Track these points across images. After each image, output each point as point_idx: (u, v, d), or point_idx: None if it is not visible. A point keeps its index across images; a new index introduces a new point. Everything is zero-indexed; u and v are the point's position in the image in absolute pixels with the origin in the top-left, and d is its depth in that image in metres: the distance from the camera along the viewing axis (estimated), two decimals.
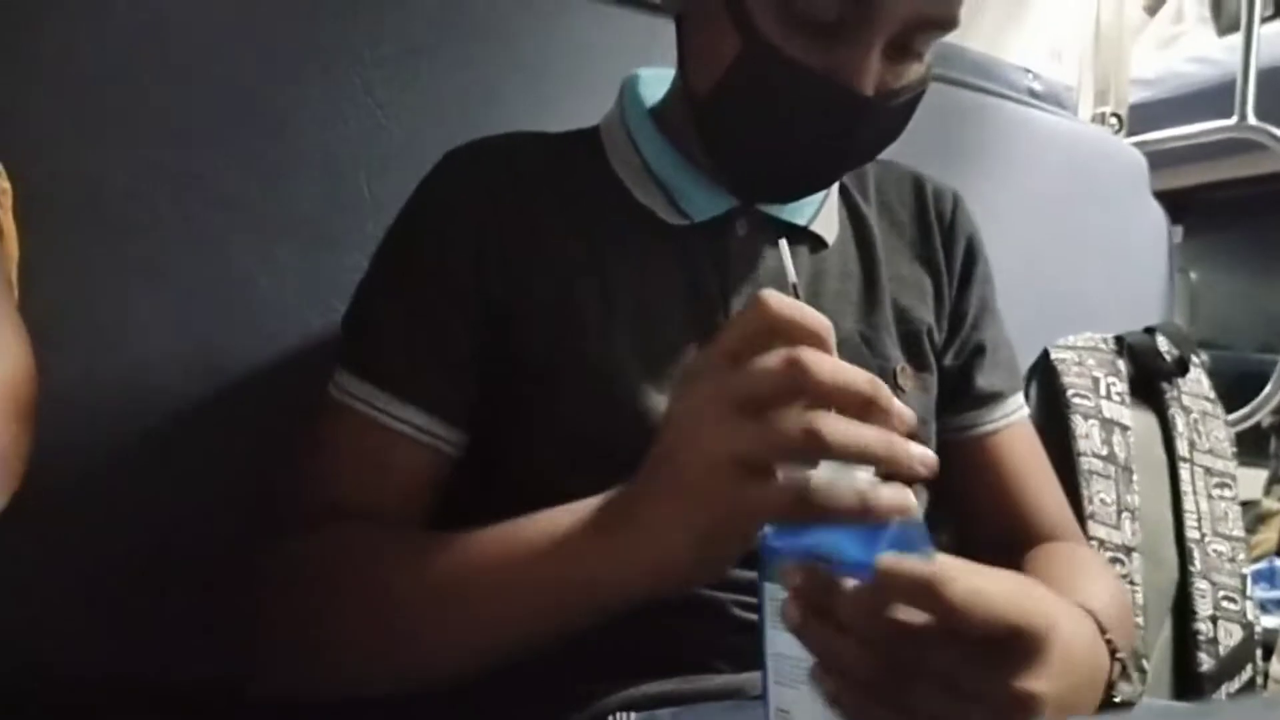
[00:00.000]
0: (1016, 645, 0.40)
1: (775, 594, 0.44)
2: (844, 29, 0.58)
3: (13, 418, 0.52)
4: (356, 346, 0.67)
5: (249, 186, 0.76)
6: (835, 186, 0.74)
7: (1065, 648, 0.45)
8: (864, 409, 0.44)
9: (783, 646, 0.44)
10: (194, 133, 0.74)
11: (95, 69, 0.71)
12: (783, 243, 0.51)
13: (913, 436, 0.68)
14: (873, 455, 0.43)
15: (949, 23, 0.59)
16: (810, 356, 0.43)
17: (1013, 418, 0.78)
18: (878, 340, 0.71)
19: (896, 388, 0.70)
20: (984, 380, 0.76)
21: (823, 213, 0.72)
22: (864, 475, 0.44)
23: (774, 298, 0.46)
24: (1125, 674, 0.53)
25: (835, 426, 0.43)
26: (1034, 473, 0.78)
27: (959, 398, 0.76)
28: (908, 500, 0.43)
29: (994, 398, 0.77)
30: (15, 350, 0.54)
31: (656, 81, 0.74)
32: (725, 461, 0.44)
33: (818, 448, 0.42)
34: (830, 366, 0.44)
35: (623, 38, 0.93)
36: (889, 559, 0.38)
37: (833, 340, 0.46)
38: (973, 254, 0.79)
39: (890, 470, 0.44)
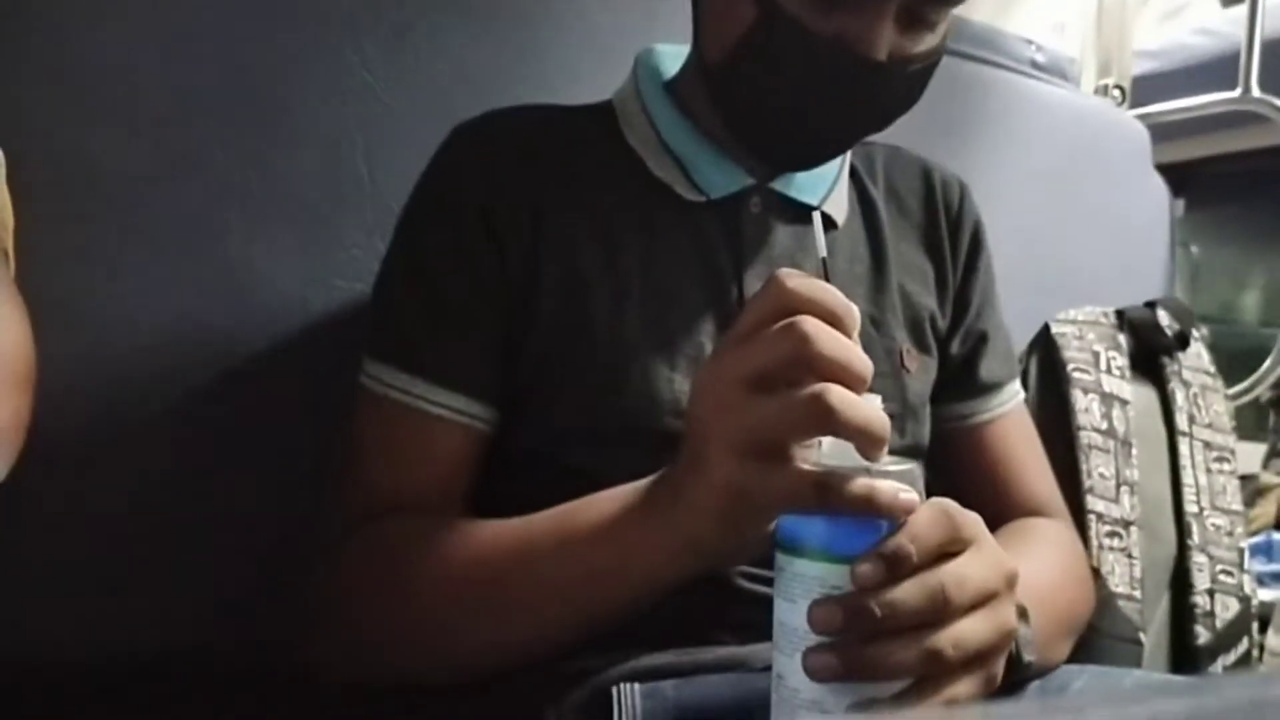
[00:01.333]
0: (1012, 580, 0.47)
1: (783, 564, 0.45)
2: None
3: (11, 389, 0.51)
4: (382, 333, 0.66)
5: (246, 166, 0.75)
6: (846, 169, 0.75)
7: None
8: (858, 387, 0.45)
9: (784, 615, 0.45)
10: (191, 113, 0.74)
11: (91, 51, 0.70)
12: (816, 217, 0.53)
13: (908, 417, 0.69)
14: (872, 434, 0.44)
15: None
16: (810, 327, 0.44)
17: (1009, 405, 0.79)
18: (884, 322, 0.71)
19: (903, 368, 0.71)
20: (985, 370, 0.77)
21: (834, 193, 0.73)
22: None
23: (790, 277, 0.46)
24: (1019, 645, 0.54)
25: (843, 399, 0.43)
26: (1026, 458, 0.79)
27: (959, 386, 0.77)
28: (913, 501, 0.44)
29: (993, 387, 0.78)
30: (13, 321, 0.54)
31: (670, 57, 0.74)
32: (743, 447, 0.45)
33: (825, 419, 0.43)
34: (828, 337, 0.44)
35: (623, 16, 0.92)
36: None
37: (854, 319, 0.47)
38: (978, 243, 0.79)
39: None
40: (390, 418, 0.64)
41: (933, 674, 0.44)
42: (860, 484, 0.43)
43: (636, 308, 0.65)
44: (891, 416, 0.59)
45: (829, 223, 0.72)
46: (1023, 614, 0.54)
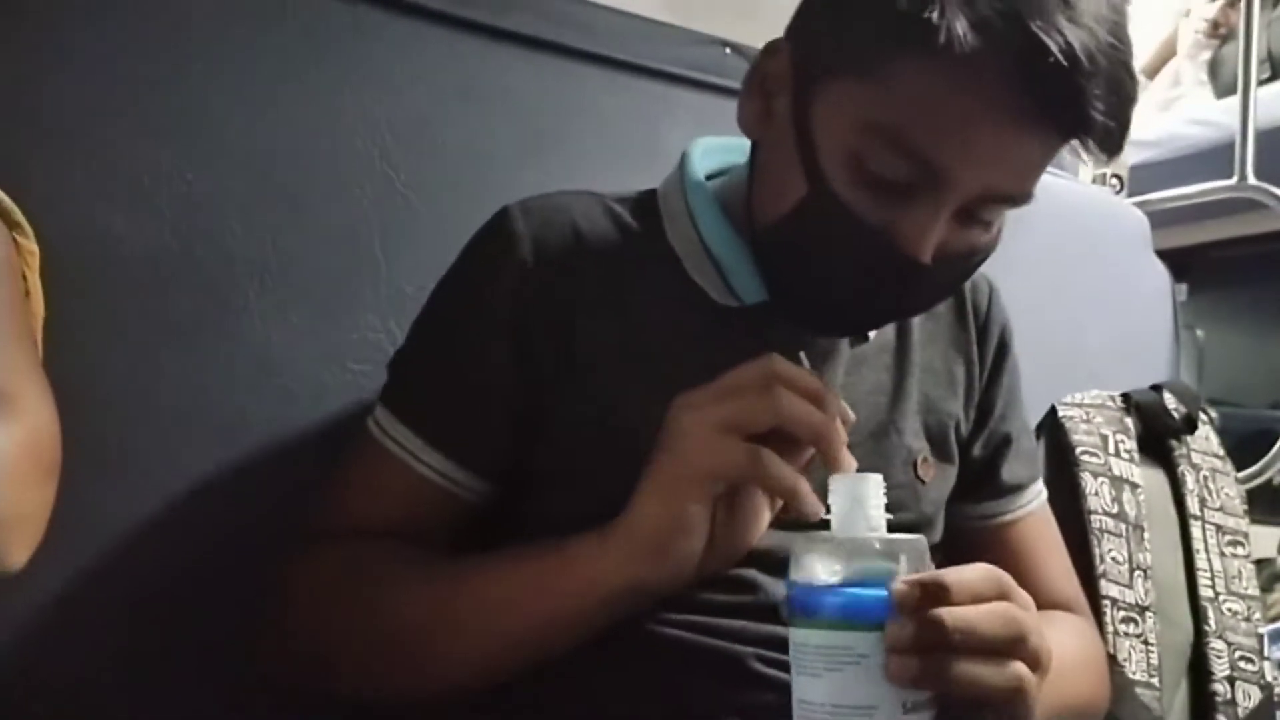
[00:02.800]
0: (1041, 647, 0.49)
1: (801, 639, 0.46)
2: (913, 192, 0.57)
3: (40, 477, 0.52)
4: (396, 386, 0.69)
5: (265, 249, 0.77)
6: None
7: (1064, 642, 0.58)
8: (827, 448, 0.54)
9: (807, 693, 0.45)
10: (211, 198, 0.76)
11: (114, 133, 0.72)
12: (802, 355, 0.60)
13: (924, 525, 0.70)
14: (794, 496, 0.54)
15: (1021, 197, 0.59)
16: (782, 393, 0.53)
17: (1031, 505, 0.79)
18: (903, 430, 0.71)
19: (917, 478, 0.71)
20: (1008, 472, 0.78)
21: None
22: (876, 513, 0.49)
23: (778, 359, 0.54)
24: None
25: (772, 459, 0.53)
26: (1049, 558, 0.80)
27: (982, 488, 0.77)
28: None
29: (1017, 488, 0.79)
30: (41, 410, 0.55)
31: (718, 151, 0.74)
32: (702, 426, 0.54)
33: (754, 470, 0.53)
34: (797, 403, 0.54)
35: (639, 105, 0.94)
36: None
37: (834, 400, 0.55)
38: (1004, 345, 0.80)
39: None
40: (381, 463, 0.66)
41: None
42: (791, 474, 0.54)
43: (662, 411, 0.62)
44: (904, 525, 0.64)
45: (862, 335, 0.72)
46: None
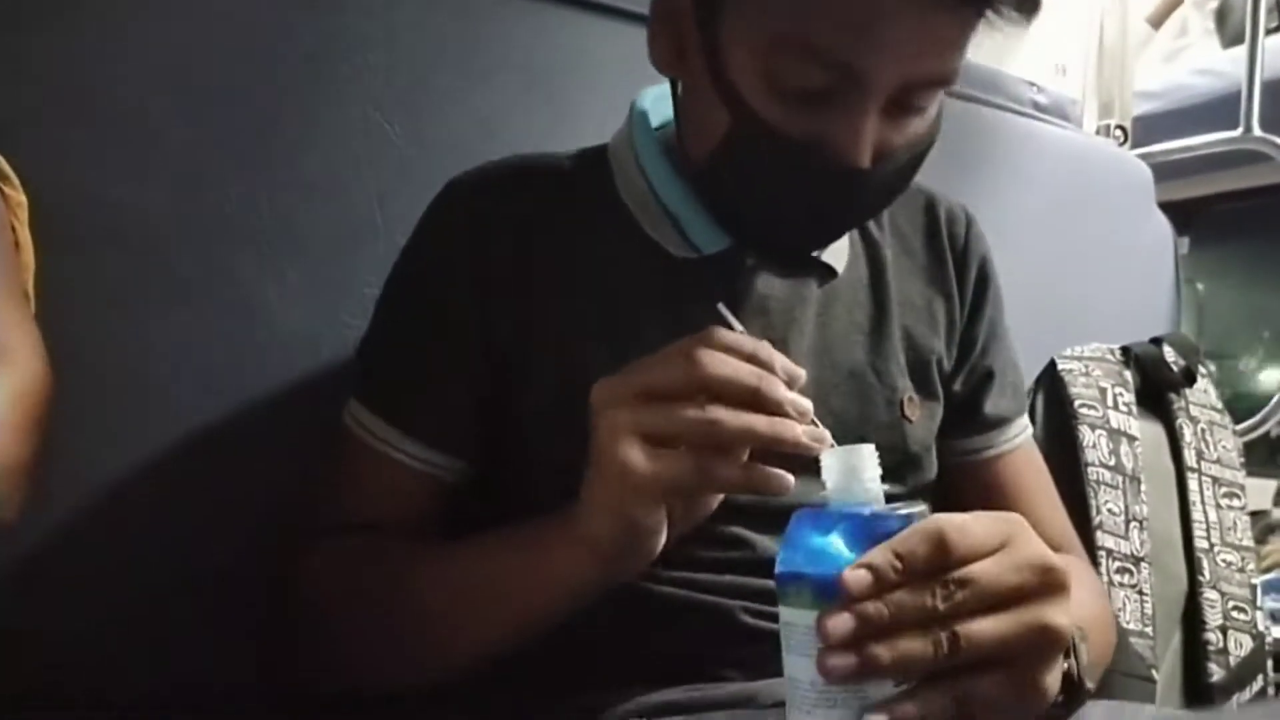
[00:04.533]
0: (1048, 579, 0.44)
1: (789, 618, 0.44)
2: (835, 99, 0.56)
3: (30, 429, 0.52)
4: (365, 376, 0.69)
5: (260, 207, 0.77)
6: None
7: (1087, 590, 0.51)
8: (753, 401, 0.48)
9: (796, 671, 0.44)
10: (206, 155, 0.75)
11: (109, 94, 0.72)
12: (721, 307, 0.55)
13: (911, 465, 0.69)
14: (759, 437, 0.48)
15: (945, 78, 0.57)
16: (701, 353, 0.49)
17: (1018, 440, 0.78)
18: (886, 370, 0.70)
19: (903, 417, 0.70)
20: (991, 406, 0.77)
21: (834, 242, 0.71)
22: (872, 484, 0.46)
23: (710, 332, 0.51)
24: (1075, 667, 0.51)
25: (722, 413, 0.48)
26: (1038, 493, 0.79)
27: (967, 422, 0.76)
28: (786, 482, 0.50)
29: (1001, 422, 0.77)
30: (32, 362, 0.55)
31: (665, 100, 0.72)
32: (630, 436, 0.49)
33: (709, 431, 0.48)
34: (719, 361, 0.48)
35: (636, 54, 0.93)
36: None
37: (767, 353, 0.50)
38: (985, 277, 0.78)
39: (788, 451, 0.49)
40: (361, 457, 0.66)
41: (947, 669, 0.42)
42: (736, 465, 0.50)
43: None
44: (891, 466, 0.61)
45: (829, 271, 0.71)
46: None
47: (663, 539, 0.53)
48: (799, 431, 0.49)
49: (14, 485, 0.51)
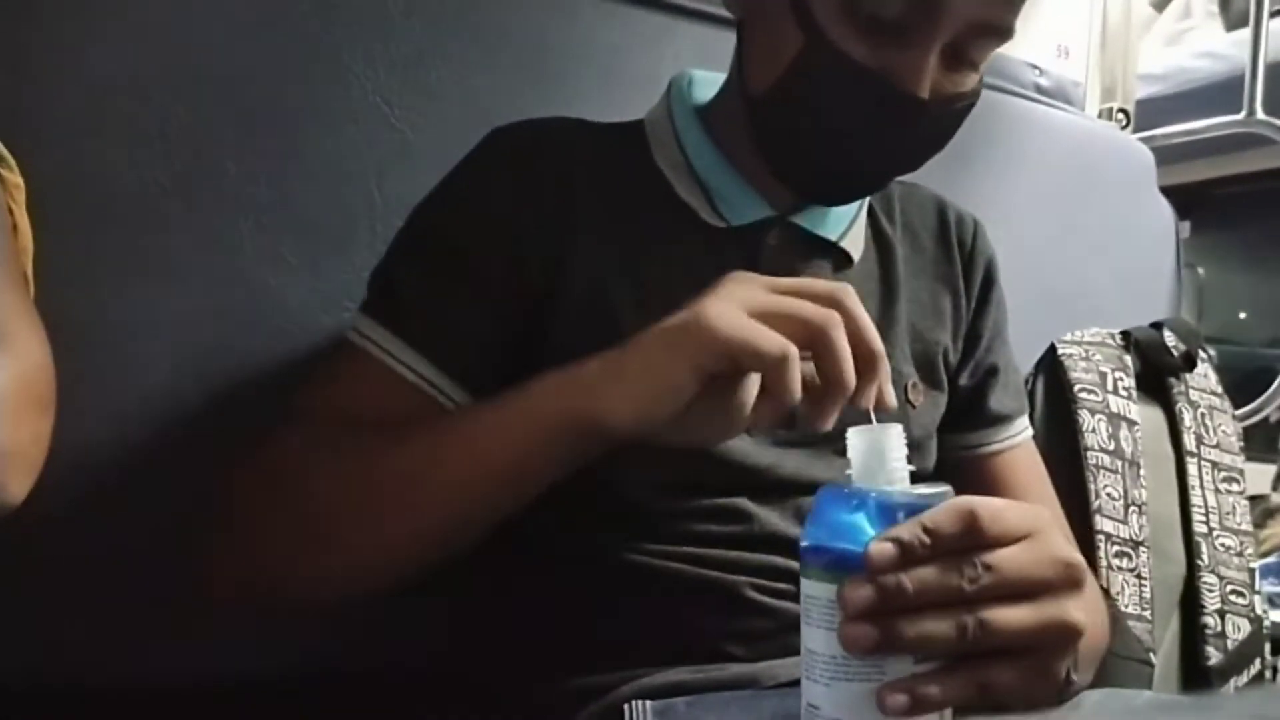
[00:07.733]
0: (1071, 574, 0.45)
1: (811, 590, 0.44)
2: (905, 30, 0.59)
3: (33, 411, 0.52)
4: (381, 297, 0.66)
5: (258, 187, 0.76)
6: (864, 207, 0.76)
7: (1091, 588, 0.50)
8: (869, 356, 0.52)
9: (814, 644, 0.44)
10: (204, 134, 0.74)
11: (105, 70, 0.71)
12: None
13: (915, 446, 0.70)
14: (875, 363, 0.52)
15: (1006, 30, 0.62)
16: (848, 294, 0.52)
17: (1017, 438, 0.81)
18: (891, 356, 0.70)
19: (907, 402, 0.72)
20: (995, 402, 0.79)
21: (852, 231, 0.74)
22: (899, 465, 0.46)
23: (851, 292, 0.53)
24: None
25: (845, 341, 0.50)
26: (1035, 491, 0.81)
27: (970, 417, 0.79)
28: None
29: (1003, 419, 0.80)
30: (34, 344, 0.55)
31: (704, 84, 0.75)
32: (742, 308, 0.51)
33: (830, 339, 0.50)
34: (843, 342, 0.50)
35: (637, 37, 0.92)
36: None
37: (877, 351, 0.53)
38: (990, 279, 0.81)
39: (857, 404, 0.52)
40: (364, 368, 0.63)
41: (968, 654, 0.43)
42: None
43: (656, 321, 0.64)
44: None
45: (844, 259, 0.73)
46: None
47: (670, 415, 0.52)
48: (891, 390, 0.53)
49: (22, 468, 0.51)
